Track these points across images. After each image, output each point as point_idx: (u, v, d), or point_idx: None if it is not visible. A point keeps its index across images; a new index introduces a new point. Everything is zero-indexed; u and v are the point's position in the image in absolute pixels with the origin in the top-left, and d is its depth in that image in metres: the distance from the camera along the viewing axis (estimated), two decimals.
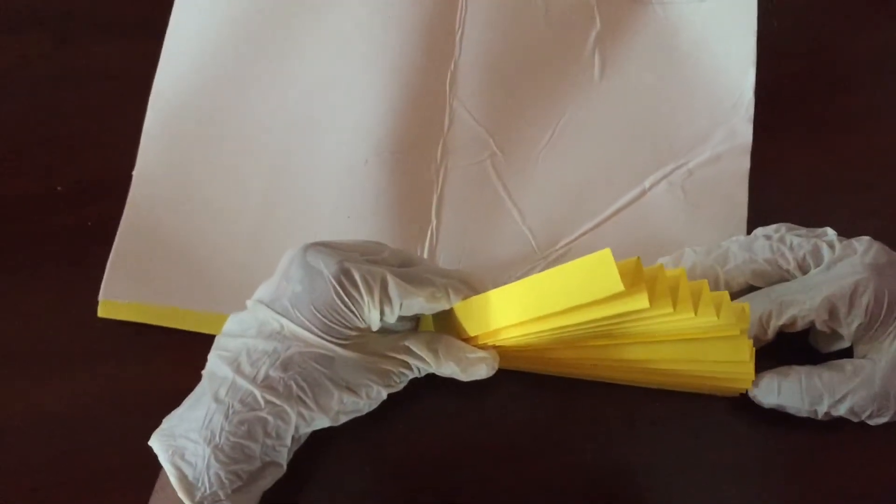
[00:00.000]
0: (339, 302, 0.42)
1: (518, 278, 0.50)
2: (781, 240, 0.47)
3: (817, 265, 0.46)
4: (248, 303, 0.44)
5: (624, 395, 0.49)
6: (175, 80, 0.56)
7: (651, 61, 0.57)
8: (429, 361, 0.45)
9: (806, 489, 0.48)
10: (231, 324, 0.44)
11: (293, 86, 0.56)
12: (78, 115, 0.57)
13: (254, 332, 0.43)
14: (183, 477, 0.41)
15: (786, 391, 0.46)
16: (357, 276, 0.42)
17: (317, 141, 0.55)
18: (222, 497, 0.41)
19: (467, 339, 0.46)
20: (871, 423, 0.45)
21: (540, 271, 0.52)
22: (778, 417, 0.47)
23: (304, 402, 0.42)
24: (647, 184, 0.54)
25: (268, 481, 0.44)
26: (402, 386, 0.45)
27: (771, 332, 0.46)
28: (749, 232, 0.52)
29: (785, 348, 0.47)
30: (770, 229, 0.48)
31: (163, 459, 0.42)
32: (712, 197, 0.53)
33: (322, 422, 0.44)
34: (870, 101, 0.56)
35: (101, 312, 0.51)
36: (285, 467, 0.44)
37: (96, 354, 0.51)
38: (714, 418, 0.49)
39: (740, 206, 0.53)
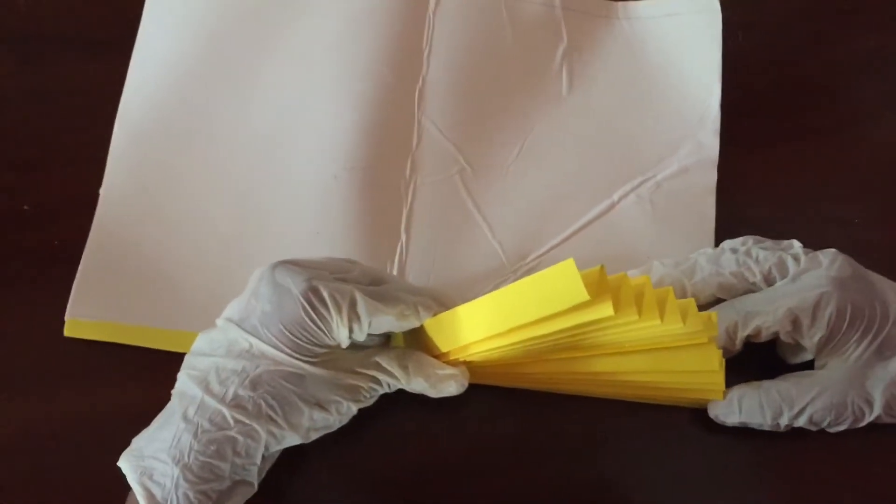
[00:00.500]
0: (307, 320, 0.41)
1: (488, 292, 0.51)
2: (748, 253, 0.47)
3: (783, 277, 0.47)
4: (218, 321, 0.44)
5: (592, 408, 0.49)
6: (142, 100, 0.56)
7: (618, 76, 0.57)
8: (398, 378, 0.45)
9: (773, 499, 0.48)
10: (200, 342, 0.44)
11: (261, 103, 0.56)
12: (44, 134, 0.56)
13: (223, 350, 0.43)
14: (151, 497, 0.41)
15: (746, 409, 0.46)
16: (325, 294, 0.42)
17: (285, 158, 0.55)
18: None
19: (437, 356, 0.46)
20: (831, 430, 0.46)
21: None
22: (742, 428, 0.47)
23: (273, 421, 0.42)
24: (615, 197, 0.54)
25: (238, 500, 0.43)
26: (372, 401, 0.45)
27: (738, 343, 0.46)
28: (717, 244, 0.52)
29: (755, 359, 0.48)
30: (737, 242, 0.49)
31: (131, 480, 0.41)
32: (680, 209, 0.54)
33: (293, 439, 0.43)
34: (834, 113, 0.57)
35: (68, 332, 0.50)
36: (256, 486, 0.44)
37: (64, 375, 0.50)
38: (680, 430, 0.49)
39: (708, 219, 0.53)
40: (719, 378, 0.46)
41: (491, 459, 0.49)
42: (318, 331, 0.42)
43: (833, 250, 0.47)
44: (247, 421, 0.41)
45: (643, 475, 0.48)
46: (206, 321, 0.44)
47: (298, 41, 0.57)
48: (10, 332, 0.51)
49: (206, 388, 0.42)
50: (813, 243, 0.48)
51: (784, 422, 0.46)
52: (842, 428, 0.46)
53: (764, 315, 0.45)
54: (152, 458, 0.41)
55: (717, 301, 0.48)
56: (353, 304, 0.42)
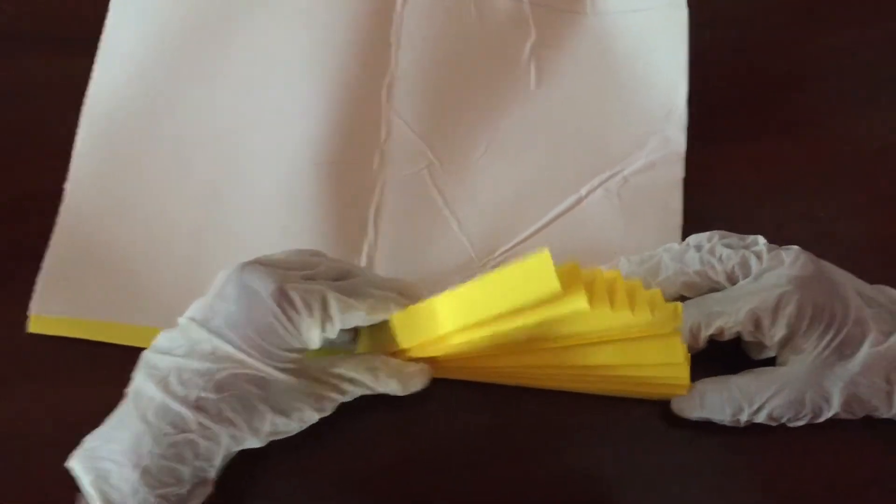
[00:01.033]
0: (277, 324, 0.41)
1: (456, 286, 0.51)
2: (711, 251, 0.47)
3: (746, 276, 0.47)
4: (180, 320, 0.43)
5: (563, 402, 0.49)
6: (108, 96, 0.55)
7: (586, 70, 0.58)
8: (366, 383, 0.44)
9: (739, 490, 0.48)
10: (161, 341, 0.43)
11: (228, 99, 0.56)
12: (8, 130, 0.55)
13: (184, 350, 0.42)
14: (108, 502, 0.39)
15: (708, 404, 0.46)
16: (296, 298, 0.41)
17: (253, 153, 0.54)
18: None
19: (398, 353, 0.46)
20: (790, 425, 0.47)
21: None
22: (708, 423, 0.47)
23: (235, 425, 0.41)
24: (583, 191, 0.54)
25: (196, 502, 0.43)
26: (332, 411, 0.45)
27: (702, 342, 0.47)
28: (683, 238, 0.52)
29: (720, 353, 0.48)
30: (703, 237, 0.49)
31: (85, 483, 0.40)
32: (647, 204, 0.54)
33: (251, 443, 0.43)
34: (800, 109, 0.57)
35: (32, 328, 0.50)
36: (212, 486, 0.43)
37: (27, 374, 0.50)
38: (649, 424, 0.49)
39: (675, 213, 0.54)
40: (684, 371, 0.46)
41: (460, 455, 0.49)
42: (288, 335, 0.41)
43: (796, 248, 0.47)
44: (209, 424, 0.41)
45: (612, 469, 0.49)
46: (173, 317, 0.44)
47: (265, 36, 0.57)
48: None
49: (167, 389, 0.40)
50: (779, 238, 0.48)
51: (744, 417, 0.46)
52: (800, 423, 0.46)
53: (726, 316, 0.45)
54: (108, 461, 0.40)
55: (682, 298, 0.49)
56: (324, 305, 0.42)
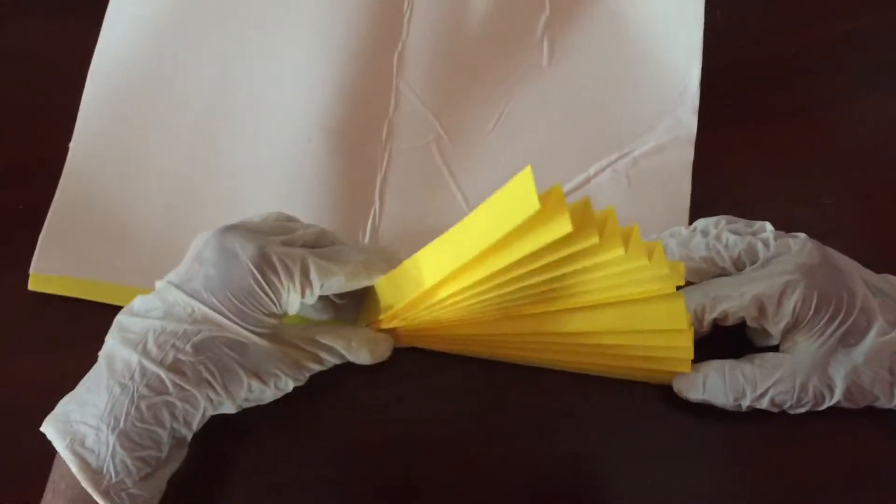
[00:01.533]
0: (256, 288, 0.41)
1: None
2: (718, 237, 0.47)
3: (752, 263, 0.46)
4: (158, 284, 0.43)
5: (560, 382, 0.49)
6: (114, 59, 0.55)
7: (599, 49, 0.57)
8: (341, 350, 0.45)
9: (742, 474, 0.48)
10: (136, 303, 0.43)
11: (235, 64, 0.55)
12: (12, 95, 0.55)
13: (160, 313, 0.41)
14: (86, 466, 0.39)
15: (710, 387, 0.46)
16: (276, 261, 0.41)
17: (259, 118, 0.54)
18: (129, 485, 0.40)
19: (381, 324, 0.46)
20: (791, 412, 0.46)
21: None
22: (708, 406, 0.47)
23: (212, 387, 0.41)
24: (591, 171, 0.54)
25: (174, 466, 0.43)
26: (304, 381, 0.45)
27: (706, 325, 0.46)
28: (691, 221, 0.52)
29: (724, 336, 0.48)
30: (710, 222, 0.48)
31: (60, 447, 0.40)
32: (656, 186, 0.54)
33: (227, 408, 0.43)
34: (812, 92, 0.57)
35: (32, 286, 0.50)
36: (187, 449, 0.43)
37: (25, 339, 0.50)
38: (647, 406, 0.49)
39: (683, 196, 0.53)
40: (687, 339, 0.45)
41: (461, 434, 0.49)
42: (267, 299, 0.41)
43: (803, 236, 0.47)
44: (186, 386, 0.40)
45: (610, 451, 0.48)
46: None
47: (278, 3, 0.56)
48: None
49: (144, 352, 0.40)
50: (786, 223, 0.48)
51: (746, 403, 0.46)
52: (802, 411, 0.46)
53: (731, 300, 0.45)
54: (82, 424, 0.40)
55: (688, 283, 0.48)
56: (304, 270, 0.42)
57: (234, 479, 0.47)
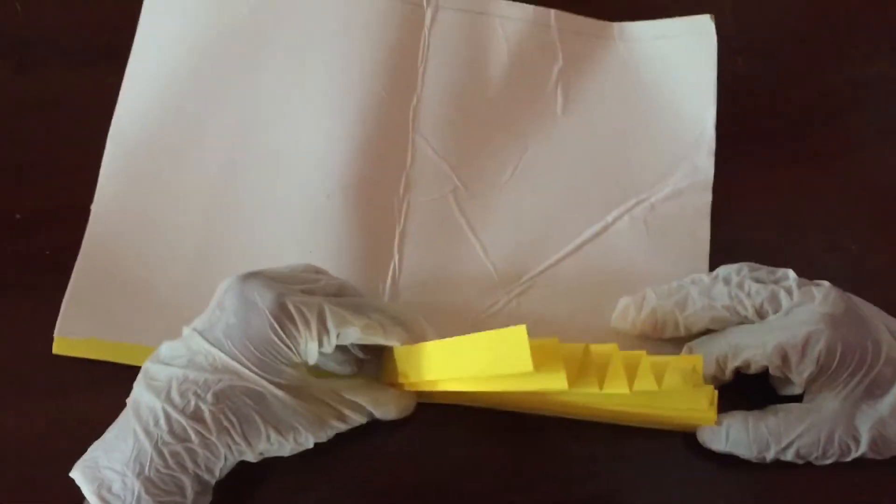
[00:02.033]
0: (274, 337, 0.41)
1: (482, 313, 0.52)
2: (740, 285, 0.47)
3: (775, 311, 0.46)
4: (184, 330, 0.43)
5: (586, 429, 0.49)
6: (135, 115, 0.55)
7: (613, 97, 0.57)
8: (367, 406, 0.45)
9: None
10: (162, 351, 0.43)
11: (255, 120, 0.56)
12: (37, 142, 0.56)
13: (184, 361, 0.42)
14: None
15: (734, 439, 0.46)
16: (293, 310, 0.41)
17: (278, 175, 0.54)
18: None
19: (395, 384, 0.47)
20: (817, 464, 0.46)
21: (503, 306, 0.52)
22: (731, 455, 0.47)
23: (231, 437, 0.42)
24: (609, 218, 0.54)
25: None
26: (326, 439, 0.45)
27: (728, 374, 0.46)
28: (711, 266, 0.52)
29: (748, 383, 0.48)
30: (731, 270, 0.48)
31: (87, 492, 0.41)
32: (674, 232, 0.54)
33: (248, 456, 0.43)
34: (831, 138, 0.57)
35: (57, 349, 0.50)
36: (210, 496, 0.44)
37: (49, 387, 0.50)
38: (671, 455, 0.49)
39: (702, 241, 0.53)
40: (711, 414, 0.45)
41: (481, 482, 0.49)
42: (285, 348, 0.42)
43: (827, 284, 0.46)
44: (206, 434, 0.41)
45: (631, 498, 0.48)
46: None
47: (293, 58, 0.57)
48: None
49: (167, 399, 0.41)
50: (808, 269, 0.48)
51: (770, 456, 0.45)
52: (827, 462, 0.46)
53: (754, 349, 0.45)
54: (109, 470, 0.41)
55: (710, 331, 0.48)
56: (321, 318, 0.42)
57: None
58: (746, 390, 0.48)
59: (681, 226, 0.54)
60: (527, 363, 0.37)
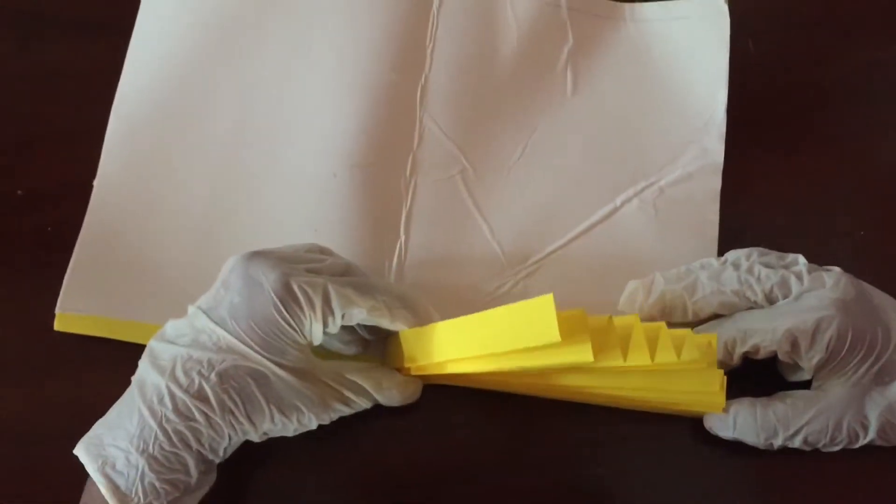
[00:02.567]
0: (278, 317, 0.41)
1: (488, 294, 0.51)
2: (750, 270, 0.46)
3: (785, 297, 0.46)
4: (189, 308, 0.43)
5: (592, 413, 0.49)
6: (139, 89, 0.55)
7: (623, 78, 0.57)
8: (369, 389, 0.45)
9: None
10: (167, 329, 0.43)
11: (260, 96, 0.55)
12: (39, 117, 0.55)
13: (188, 339, 0.42)
14: (115, 488, 0.40)
15: (741, 426, 0.46)
16: (297, 290, 0.41)
17: (284, 153, 0.54)
18: None
19: (401, 368, 0.47)
20: (825, 450, 0.46)
21: (510, 288, 0.52)
22: (738, 442, 0.47)
23: (235, 416, 0.41)
24: (618, 201, 0.54)
25: (202, 492, 0.43)
26: (329, 421, 0.45)
27: (736, 359, 0.46)
28: (720, 251, 0.51)
29: (756, 369, 0.47)
30: (741, 255, 0.48)
31: (91, 470, 0.40)
32: (683, 215, 0.53)
33: (251, 436, 0.43)
34: (842, 123, 0.56)
35: (58, 325, 0.50)
36: (215, 476, 0.44)
37: (51, 363, 0.50)
38: (682, 440, 0.49)
39: (711, 225, 0.53)
40: (720, 399, 0.45)
41: (484, 463, 0.49)
42: (290, 329, 0.41)
43: (838, 270, 0.46)
44: (210, 414, 0.41)
45: (636, 484, 0.48)
46: None
47: (301, 35, 0.56)
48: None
49: (172, 378, 0.41)
50: (817, 254, 0.47)
51: (778, 443, 0.45)
52: (836, 449, 0.45)
53: (763, 334, 0.45)
54: (113, 447, 0.40)
55: (718, 316, 0.48)
56: (326, 299, 0.42)
57: (256, 501, 0.48)
58: (753, 375, 0.47)
59: (690, 209, 0.53)
60: (553, 333, 0.37)
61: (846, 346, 0.43)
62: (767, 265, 0.46)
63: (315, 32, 0.56)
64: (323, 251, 0.46)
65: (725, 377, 0.45)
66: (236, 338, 0.41)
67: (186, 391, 0.40)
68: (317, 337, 0.43)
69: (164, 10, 0.56)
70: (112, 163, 0.53)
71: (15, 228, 0.53)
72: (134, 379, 0.42)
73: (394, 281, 0.51)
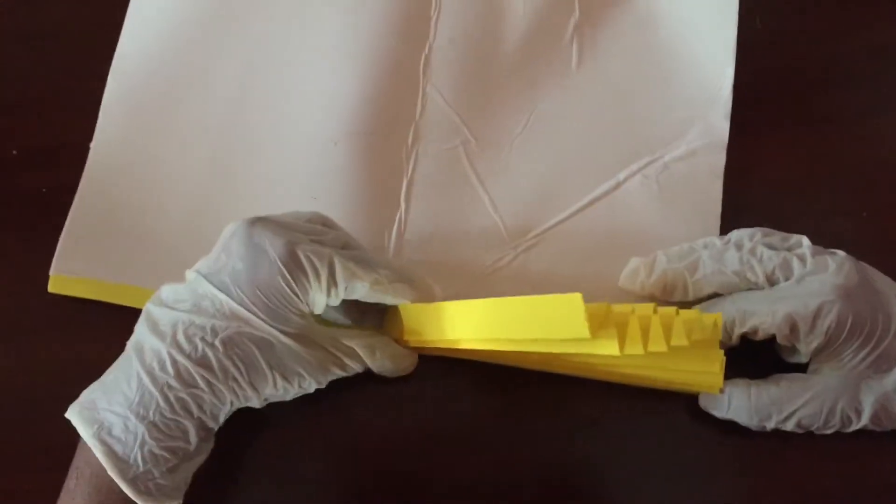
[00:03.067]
0: (284, 285, 0.41)
1: (488, 267, 0.51)
2: (752, 251, 0.46)
3: (786, 279, 0.45)
4: (188, 273, 0.42)
5: (587, 388, 0.48)
6: (138, 53, 0.54)
7: (629, 52, 0.56)
8: (364, 357, 0.45)
9: (765, 490, 0.48)
10: (165, 293, 0.42)
11: (262, 62, 0.54)
12: (36, 76, 0.55)
13: (188, 305, 0.41)
14: (112, 454, 0.39)
15: (735, 407, 0.45)
16: (303, 259, 0.41)
17: (284, 120, 0.53)
18: (156, 475, 0.40)
19: (399, 340, 0.47)
20: (818, 433, 0.45)
21: (510, 261, 0.51)
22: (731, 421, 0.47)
23: (238, 383, 0.41)
24: (621, 176, 0.53)
25: (200, 459, 0.43)
26: (325, 384, 0.45)
27: (735, 339, 0.46)
28: (723, 229, 0.51)
29: (753, 349, 0.47)
30: (744, 235, 0.47)
31: (86, 435, 0.40)
32: (687, 192, 0.52)
33: (252, 403, 0.43)
34: (849, 102, 0.56)
35: (52, 287, 0.49)
36: (213, 443, 0.44)
37: (43, 326, 0.50)
38: (676, 417, 0.48)
39: (714, 203, 0.52)
40: (718, 380, 0.45)
41: (482, 434, 0.48)
42: (294, 297, 0.41)
43: (842, 254, 0.45)
44: (213, 381, 0.40)
45: (633, 460, 0.48)
46: None
47: (304, 2, 0.55)
48: None
49: (174, 344, 0.40)
50: (819, 234, 0.47)
51: (771, 425, 0.45)
52: (828, 432, 0.45)
53: (762, 316, 0.44)
54: (109, 412, 0.40)
55: (717, 295, 0.48)
56: (331, 270, 0.41)
57: (251, 472, 0.47)
58: (751, 354, 0.47)
59: (693, 186, 0.53)
60: (583, 330, 0.37)
61: (845, 332, 0.43)
62: (771, 246, 0.46)
63: (320, 1, 0.55)
64: (325, 222, 0.46)
65: (725, 357, 0.45)
66: (240, 304, 0.41)
67: (189, 357, 0.40)
68: (319, 306, 0.42)
69: None
70: (109, 124, 0.53)
71: (10, 189, 0.52)
72: (130, 343, 0.42)
73: (392, 251, 0.51)
